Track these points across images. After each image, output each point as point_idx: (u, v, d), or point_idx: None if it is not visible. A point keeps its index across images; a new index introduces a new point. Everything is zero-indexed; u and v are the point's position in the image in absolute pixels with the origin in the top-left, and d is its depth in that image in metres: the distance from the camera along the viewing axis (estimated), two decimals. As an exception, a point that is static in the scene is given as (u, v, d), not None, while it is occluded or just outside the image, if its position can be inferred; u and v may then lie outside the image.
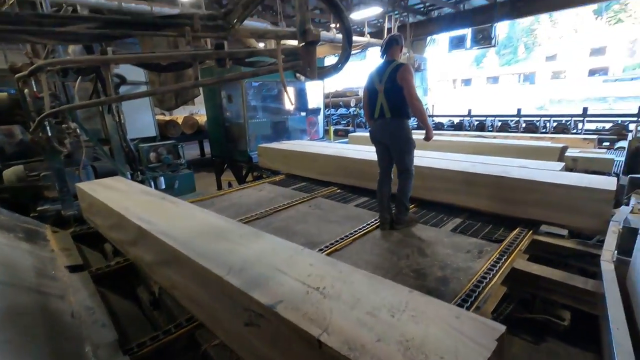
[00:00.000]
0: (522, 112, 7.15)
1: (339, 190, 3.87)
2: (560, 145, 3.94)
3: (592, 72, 39.65)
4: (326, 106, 15.53)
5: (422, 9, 11.55)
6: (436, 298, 1.17)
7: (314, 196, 3.69)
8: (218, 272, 1.36)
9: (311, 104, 7.39)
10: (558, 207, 2.42)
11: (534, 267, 2.04)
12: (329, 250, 2.35)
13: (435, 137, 5.37)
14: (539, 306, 2.08)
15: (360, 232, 2.64)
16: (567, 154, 3.96)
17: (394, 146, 2.65)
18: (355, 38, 12.20)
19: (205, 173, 9.20)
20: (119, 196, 2.58)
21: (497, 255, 2.14)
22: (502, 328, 0.99)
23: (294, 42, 1.76)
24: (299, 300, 1.17)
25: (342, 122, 11.36)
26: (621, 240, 1.84)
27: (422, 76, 11.59)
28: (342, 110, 13.69)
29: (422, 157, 3.58)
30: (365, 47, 13.80)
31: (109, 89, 2.28)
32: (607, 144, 5.88)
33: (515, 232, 2.46)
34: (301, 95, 7.26)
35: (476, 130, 7.70)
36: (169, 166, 5.54)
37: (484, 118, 7.73)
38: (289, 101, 6.70)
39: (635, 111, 5.68)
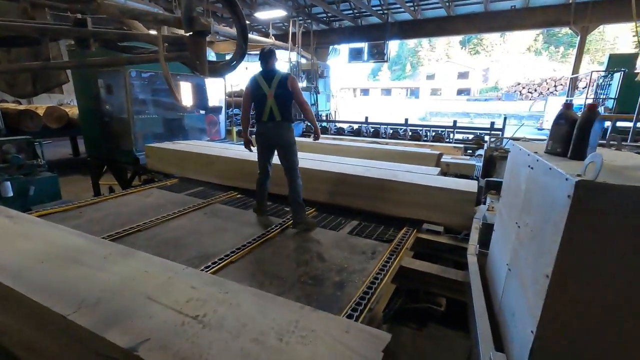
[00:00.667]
0: (409, 122, 8.13)
1: (239, 195, 3.65)
2: (437, 152, 4.55)
3: (459, 92, 48.28)
4: (229, 105, 14.91)
5: (325, 19, 12.09)
6: (331, 306, 1.12)
7: (211, 202, 3.39)
8: (60, 309, 1.04)
9: (212, 102, 6.90)
10: (435, 207, 2.74)
11: (417, 263, 2.24)
12: (223, 263, 2.14)
13: (335, 142, 5.63)
14: (422, 297, 2.30)
15: (259, 240, 2.50)
16: (442, 159, 4.59)
17: (284, 147, 2.80)
18: (259, 38, 12.00)
19: (80, 176, 7.71)
20: None
21: (388, 255, 2.28)
22: (388, 337, 0.99)
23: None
24: (170, 335, 0.97)
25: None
26: (480, 235, 2.15)
27: (325, 83, 12.12)
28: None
29: (323, 162, 3.65)
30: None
31: None
32: (470, 151, 7.11)
33: (402, 231, 2.68)
34: (200, 92, 6.71)
35: (372, 136, 8.39)
36: (19, 168, 4.40)
37: (378, 125, 8.49)
38: (176, 97, 6.08)
39: (488, 125, 7.09)
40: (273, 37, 12.04)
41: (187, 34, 1.89)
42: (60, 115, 7.47)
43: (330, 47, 13.15)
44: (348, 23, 12.01)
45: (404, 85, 52.96)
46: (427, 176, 3.05)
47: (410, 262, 2.25)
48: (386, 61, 11.51)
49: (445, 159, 4.79)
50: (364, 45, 11.60)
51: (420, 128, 8.01)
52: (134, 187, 4.05)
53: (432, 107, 32.03)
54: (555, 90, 37.42)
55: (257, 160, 2.99)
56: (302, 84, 11.32)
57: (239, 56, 2.14)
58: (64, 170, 7.77)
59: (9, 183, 4.18)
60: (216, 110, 6.86)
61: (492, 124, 6.87)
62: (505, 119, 7.05)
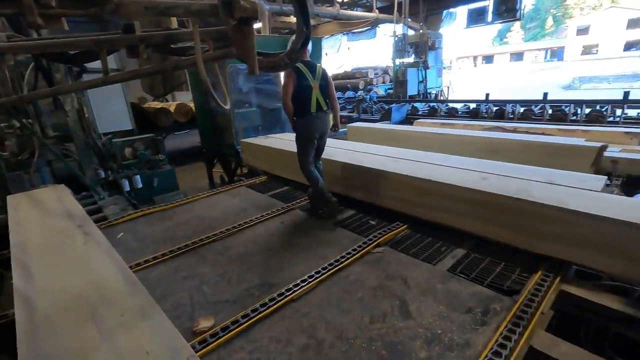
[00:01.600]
0: (548, 94, 6.25)
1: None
2: (598, 144, 3.18)
3: (628, 46, 36.51)
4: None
5: (439, -21, 10.39)
6: None
7: (291, 207, 3.11)
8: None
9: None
10: (595, 245, 1.75)
11: (564, 348, 1.41)
12: (282, 301, 1.79)
13: (443, 129, 4.64)
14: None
15: (330, 269, 2.06)
16: (606, 153, 3.19)
17: (326, 136, 3.04)
18: (362, 14, 11.19)
19: (202, 163, 8.78)
20: (29, 221, 2.08)
21: (510, 322, 1.52)
22: None
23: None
24: None
25: (347, 107, 10.56)
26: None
27: (437, 55, 10.57)
28: (349, 94, 12.83)
29: (422, 162, 2.91)
30: (374, 24, 12.76)
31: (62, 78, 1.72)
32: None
33: (536, 277, 1.82)
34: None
35: (494, 118, 6.82)
36: (147, 163, 5.06)
37: (503, 104, 6.83)
38: (217, 101, 6.01)
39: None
40: (377, 10, 11.07)
41: (231, 25, 1.52)
42: (187, 110, 8.52)
43: (445, 11, 11.33)
44: (468, -21, 10.03)
45: (541, 46, 43.16)
46: (583, 193, 2.01)
47: (550, 344, 1.44)
48: (519, 19, 9.20)
49: (611, 151, 3.34)
50: (487, 3, 9.52)
51: (567, 105, 6.05)
52: (228, 186, 4.09)
53: (583, 70, 25.07)
54: None
55: (304, 153, 2.96)
56: (409, 59, 10.13)
57: (300, 43, 1.66)
58: (190, 158, 8.98)
59: (139, 176, 4.84)
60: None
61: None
62: None
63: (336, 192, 3.19)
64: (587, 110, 5.89)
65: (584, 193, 1.99)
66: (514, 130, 4.63)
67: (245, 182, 4.02)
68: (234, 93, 5.30)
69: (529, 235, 1.98)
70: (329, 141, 3.30)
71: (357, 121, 8.29)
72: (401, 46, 9.62)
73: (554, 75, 28.38)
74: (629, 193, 2.98)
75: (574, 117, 5.97)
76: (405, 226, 2.56)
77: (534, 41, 50.87)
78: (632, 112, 5.58)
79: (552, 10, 53.27)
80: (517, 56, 44.25)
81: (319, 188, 2.94)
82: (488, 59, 46.39)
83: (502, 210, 2.07)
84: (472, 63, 46.54)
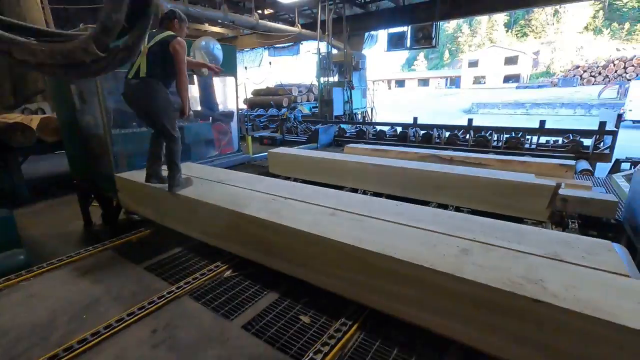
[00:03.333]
0: (450, 118, 6.33)
1: (229, 273, 2.20)
2: (552, 183, 2.81)
3: (506, 79, 43.89)
4: (253, 106, 13.69)
5: (360, 1, 10.36)
6: None
7: (177, 294, 1.97)
8: None
9: (221, 106, 5.57)
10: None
11: None
12: None
13: (379, 160, 3.99)
14: None
15: None
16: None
17: (150, 108, 2.67)
18: (284, 27, 10.55)
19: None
20: None
21: None
22: None
23: None
24: None
25: (270, 125, 9.65)
26: None
27: (361, 75, 10.45)
28: (272, 111, 11.96)
29: (368, 217, 2.09)
30: (297, 40, 12.25)
31: None
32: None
33: None
34: (206, 94, 5.40)
35: (422, 142, 6.64)
36: (-42, 208, 3.29)
37: (430, 128, 6.71)
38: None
39: (557, 119, 5.09)
40: (300, 26, 10.55)
41: None
42: (57, 127, 6.51)
43: (366, 34, 11.39)
44: (387, 4, 10.19)
45: (443, 75, 49.24)
46: (616, 282, 1.37)
47: None
48: (434, 46, 9.57)
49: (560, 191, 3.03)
50: (406, 29, 9.74)
51: (488, 132, 6.12)
52: (84, 251, 2.70)
53: (477, 97, 28.90)
54: (625, 72, 32.44)
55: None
56: (333, 78, 9.73)
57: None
58: (66, 189, 6.86)
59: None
60: (226, 116, 5.50)
61: (603, 123, 4.84)
62: (619, 116, 5.00)
63: (252, 259, 2.18)
64: (506, 137, 6.01)
65: (617, 282, 1.35)
66: (451, 160, 4.26)
67: (113, 242, 2.69)
68: (108, 110, 3.89)
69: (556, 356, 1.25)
70: (243, 182, 2.30)
71: (280, 143, 7.40)
72: (325, 64, 9.16)
73: (454, 100, 32.15)
74: (585, 234, 2.65)
75: (495, 143, 6.04)
76: (355, 326, 1.66)
77: (436, 70, 57.91)
78: (542, 139, 5.85)
79: (448, 45, 61.70)
80: (424, 82, 49.63)
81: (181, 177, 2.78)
82: (400, 83, 51.02)
83: (506, 313, 1.32)
84: (387, 86, 50.54)
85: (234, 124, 5.61)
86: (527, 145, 5.69)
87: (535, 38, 52.50)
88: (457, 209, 3.21)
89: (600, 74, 34.37)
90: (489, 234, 1.80)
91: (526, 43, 51.78)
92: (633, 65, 32.14)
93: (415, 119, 6.60)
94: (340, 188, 3.96)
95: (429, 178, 3.35)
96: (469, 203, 3.17)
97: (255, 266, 2.18)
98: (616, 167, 5.03)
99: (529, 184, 2.85)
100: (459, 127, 6.53)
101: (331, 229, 1.86)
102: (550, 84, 37.50)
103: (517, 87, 38.31)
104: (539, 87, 36.95)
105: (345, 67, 9.72)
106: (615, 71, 33.06)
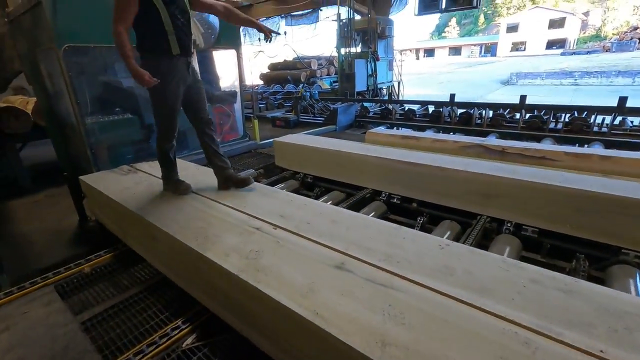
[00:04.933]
0: (479, 94, 5.19)
1: (194, 344, 1.53)
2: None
3: (550, 45, 39.70)
4: (269, 81, 12.76)
5: (387, -45, 8.93)
6: None
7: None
8: None
9: (222, 84, 4.80)
10: None
11: None
12: None
13: (409, 155, 3.05)
14: None
15: None
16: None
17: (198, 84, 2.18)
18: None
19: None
20: None
21: None
22: None
23: None
24: None
25: (285, 104, 8.79)
26: None
27: (387, 44, 9.22)
28: (289, 87, 11.02)
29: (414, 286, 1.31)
30: (316, 6, 11.03)
31: None
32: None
33: None
34: (204, 71, 4.63)
35: (459, 124, 5.61)
36: None
37: (469, 107, 5.63)
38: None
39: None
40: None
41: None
42: (54, 109, 6.01)
43: (394, -5, 9.97)
44: (419, -43, 8.70)
45: (477, 42, 45.25)
46: None
47: None
48: (475, 6, 8.14)
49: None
50: (441, -12, 8.30)
51: (544, 111, 4.98)
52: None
53: (515, 66, 26.18)
54: (696, 33, 28.09)
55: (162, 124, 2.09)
56: (356, 48, 8.61)
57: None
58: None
59: None
60: (228, 97, 4.74)
61: None
62: None
63: (223, 318, 1.49)
64: (567, 118, 4.87)
65: None
66: (502, 152, 3.31)
67: (64, 272, 2.08)
68: (80, 89, 3.21)
69: None
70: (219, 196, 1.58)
71: (294, 125, 6.59)
72: (347, 33, 8.05)
73: (490, 69, 29.43)
74: None
75: (553, 125, 4.93)
76: None
77: (469, 37, 53.36)
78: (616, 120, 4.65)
79: (483, 8, 56.36)
80: (456, 50, 45.95)
81: (175, 180, 2.25)
82: (429, 52, 47.50)
83: None
84: (415, 56, 47.28)
85: (237, 106, 4.85)
86: (596, 129, 4.55)
87: (586, -3, 46.68)
88: (518, 226, 2.35)
89: (663, 35, 30.09)
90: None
91: (574, 3, 46.27)
92: None
93: (452, 95, 5.52)
94: (359, 188, 3.19)
95: (476, 182, 2.48)
96: (535, 219, 2.30)
97: (230, 331, 1.50)
98: None
99: (627, 200, 1.93)
100: (506, 105, 5.42)
101: (336, 311, 1.11)
102: (601, 48, 33.50)
103: (563, 54, 34.58)
104: (588, 52, 33.13)
105: (369, 35, 8.54)
106: (684, 32, 28.75)
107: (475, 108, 5.52)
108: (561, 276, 1.25)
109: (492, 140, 3.55)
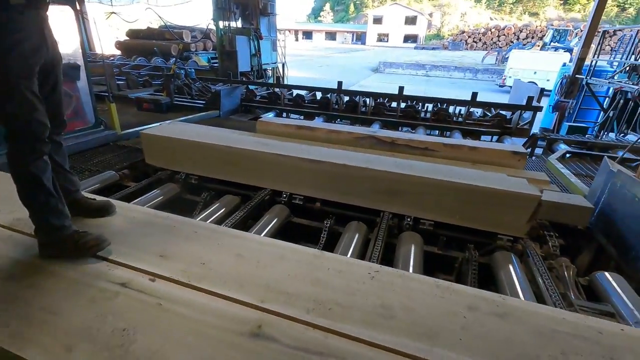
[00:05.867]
0: (353, 79, 5.63)
1: None
2: (538, 192, 2.20)
3: (406, 39, 45.93)
4: (129, 52, 10.56)
5: None
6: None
7: None
8: None
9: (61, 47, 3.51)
10: None
11: None
12: None
13: (308, 151, 2.73)
14: None
15: None
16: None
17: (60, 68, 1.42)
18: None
19: None
20: None
21: None
22: None
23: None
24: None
25: (154, 81, 7.34)
26: None
27: (270, 22, 8.67)
28: (157, 61, 9.34)
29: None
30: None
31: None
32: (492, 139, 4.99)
33: None
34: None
35: (346, 111, 5.73)
36: None
37: (354, 95, 5.80)
38: None
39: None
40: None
41: None
42: None
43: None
44: None
45: (349, 30, 48.61)
46: None
47: None
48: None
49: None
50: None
51: (417, 103, 5.53)
52: None
53: (382, 56, 29.40)
54: (499, 40, 37.11)
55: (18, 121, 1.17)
56: (236, 23, 7.81)
57: None
58: None
59: None
60: (67, 72, 3.50)
61: (530, 99, 4.63)
62: (541, 90, 4.88)
63: None
64: (430, 107, 5.51)
65: None
66: (392, 143, 3.44)
67: None
68: None
69: None
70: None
71: (167, 108, 5.56)
72: (224, 3, 7.17)
73: (361, 57, 32.17)
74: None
75: (423, 115, 5.53)
76: None
77: (342, 24, 56.93)
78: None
79: (353, -2, 60.82)
80: (331, 36, 48.36)
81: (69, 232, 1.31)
82: (307, 34, 48.57)
83: None
84: (294, 37, 47.61)
85: (82, 84, 3.66)
86: (455, 119, 5.31)
87: (429, 0, 55.56)
88: (416, 221, 2.42)
89: (480, 39, 38.62)
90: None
91: (423, 4, 54.45)
92: (505, 35, 36.89)
93: (339, 83, 5.55)
94: (255, 189, 2.80)
95: (382, 181, 2.44)
96: (432, 213, 2.41)
97: None
98: (532, 142, 5.03)
99: (512, 194, 2.18)
100: (385, 95, 5.79)
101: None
102: (442, 46, 40.71)
103: (416, 47, 40.56)
104: (433, 48, 39.78)
105: (251, 10, 7.85)
106: (492, 39, 37.54)
107: (360, 96, 5.72)
108: (489, 295, 1.21)
109: (382, 132, 3.65)
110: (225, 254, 1.34)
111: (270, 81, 9.05)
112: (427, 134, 5.08)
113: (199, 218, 2.31)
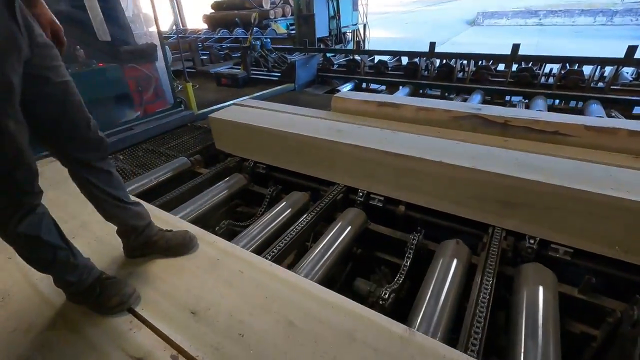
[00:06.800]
0: (446, 36, 4.41)
1: None
2: None
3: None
4: (215, 25, 10.77)
5: None
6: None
7: None
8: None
9: (137, 34, 3.51)
10: None
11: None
12: None
13: (383, 135, 1.98)
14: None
15: None
16: None
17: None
18: None
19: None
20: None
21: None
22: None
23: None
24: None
25: (234, 54, 7.32)
26: None
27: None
28: (238, 32, 9.34)
29: None
30: None
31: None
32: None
33: None
34: (108, 16, 3.29)
35: (439, 78, 4.79)
36: None
37: (448, 58, 4.78)
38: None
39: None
40: None
41: None
42: None
43: None
44: None
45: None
46: None
47: None
48: None
49: None
50: None
51: (535, 64, 4.26)
52: None
53: (481, 3, 25.00)
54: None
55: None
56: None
57: None
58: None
59: None
60: (144, 53, 3.48)
61: None
62: None
63: None
64: (559, 71, 4.20)
65: None
66: (505, 124, 2.60)
67: None
68: None
69: None
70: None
71: (244, 83, 5.42)
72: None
73: (454, 8, 28.00)
74: None
75: (544, 81, 4.28)
76: None
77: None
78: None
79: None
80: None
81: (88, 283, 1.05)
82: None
83: None
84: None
85: (160, 64, 3.63)
86: (592, 84, 3.96)
87: None
88: (544, 244, 1.73)
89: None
90: None
91: None
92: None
93: (432, 44, 4.61)
94: (328, 183, 2.39)
95: (493, 187, 1.77)
96: (572, 236, 1.68)
97: None
98: None
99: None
100: (490, 56, 4.63)
101: None
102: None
103: (526, -10, 33.49)
104: (549, -11, 32.32)
105: (330, -35, 7.05)
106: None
107: (457, 59, 4.69)
108: None
109: (489, 109, 2.80)
110: (273, 318, 0.96)
111: (350, 45, 8.29)
112: (550, 105, 3.92)
113: (262, 222, 2.02)
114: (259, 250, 1.85)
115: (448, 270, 1.64)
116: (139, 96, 3.51)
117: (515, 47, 4.05)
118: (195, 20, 12.11)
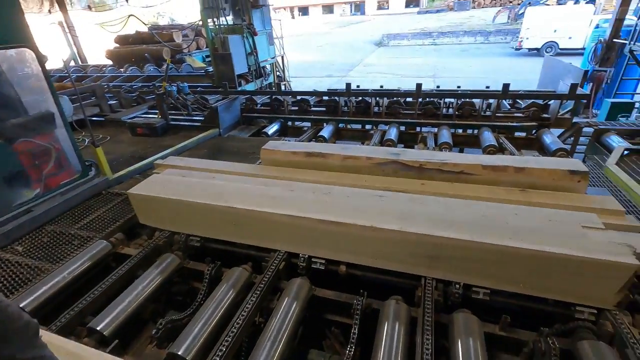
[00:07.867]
0: (357, 58, 4.98)
1: None
2: (633, 258, 1.68)
3: (408, 3, 43.34)
4: (120, 61, 9.97)
5: None
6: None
7: None
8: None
9: (27, 101, 3.07)
10: None
11: None
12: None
13: (317, 200, 2.01)
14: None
15: None
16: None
17: None
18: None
19: None
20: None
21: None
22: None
23: None
24: None
25: (148, 97, 6.83)
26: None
27: (263, 14, 7.90)
28: (150, 70, 8.75)
29: None
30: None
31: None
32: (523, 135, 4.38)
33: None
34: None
35: (357, 114, 5.14)
36: None
37: (367, 95, 5.18)
38: None
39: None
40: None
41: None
42: None
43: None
44: None
45: (347, 0, 46.02)
46: None
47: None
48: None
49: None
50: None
51: (437, 98, 4.88)
52: None
53: (385, 26, 27.72)
54: (509, -4, 34.42)
55: None
56: (226, 20, 7.14)
57: None
58: None
59: None
60: (40, 123, 3.06)
61: (574, 86, 3.94)
62: (585, 73, 4.16)
63: None
64: (452, 102, 4.87)
65: None
66: (420, 168, 2.92)
67: None
68: None
69: None
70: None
71: (162, 131, 5.12)
72: (212, 2, 6.51)
73: (362, 30, 30.50)
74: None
75: (444, 111, 4.91)
76: None
77: (338, -6, 53.96)
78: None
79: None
80: (329, 9, 46.01)
81: None
82: (304, 10, 46.32)
83: None
84: (290, 14, 45.55)
85: (60, 131, 3.23)
86: (482, 113, 4.68)
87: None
88: (467, 288, 1.97)
89: (488, -4, 36.00)
90: None
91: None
92: (515, -12, 34.16)
93: (348, 85, 4.95)
94: (266, 251, 2.38)
95: (419, 245, 1.97)
96: (486, 280, 1.95)
97: None
98: (576, 133, 4.39)
99: (597, 263, 1.68)
100: (402, 94, 5.14)
101: None
102: (447, 7, 38.25)
103: (419, 12, 38.27)
104: (437, 11, 37.45)
105: (241, 4, 7.13)
106: (501, -6, 34.90)
107: (372, 97, 5.11)
108: None
109: (406, 154, 3.11)
110: None
111: (270, 78, 8.43)
112: (453, 134, 4.50)
113: (204, 315, 1.91)
114: (207, 347, 1.75)
115: (393, 334, 1.76)
116: (37, 171, 3.06)
117: (419, 85, 4.59)
118: (97, 56, 11.07)
